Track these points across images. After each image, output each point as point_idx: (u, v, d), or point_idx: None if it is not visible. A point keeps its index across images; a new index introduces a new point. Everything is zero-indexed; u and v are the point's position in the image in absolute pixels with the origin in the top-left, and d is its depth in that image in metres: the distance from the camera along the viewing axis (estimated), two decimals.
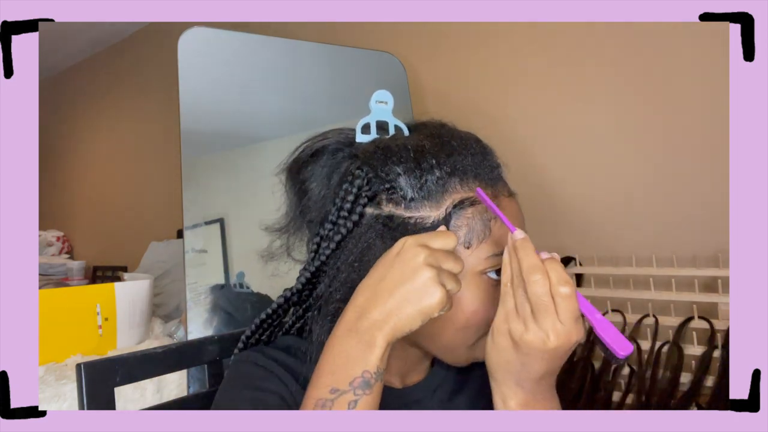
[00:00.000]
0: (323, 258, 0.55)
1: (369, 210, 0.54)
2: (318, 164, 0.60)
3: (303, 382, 0.54)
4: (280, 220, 0.63)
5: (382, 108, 0.60)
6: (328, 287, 0.55)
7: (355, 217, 0.54)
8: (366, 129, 0.59)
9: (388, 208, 0.54)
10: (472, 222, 0.52)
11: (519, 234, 0.48)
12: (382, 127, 0.60)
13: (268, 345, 0.62)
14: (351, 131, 0.60)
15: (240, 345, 0.62)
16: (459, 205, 0.53)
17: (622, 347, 0.44)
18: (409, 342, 0.57)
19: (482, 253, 0.52)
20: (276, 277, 0.63)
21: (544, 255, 0.47)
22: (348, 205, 0.54)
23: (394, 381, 0.61)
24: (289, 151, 0.62)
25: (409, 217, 0.53)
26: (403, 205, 0.53)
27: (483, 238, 0.52)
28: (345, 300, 0.51)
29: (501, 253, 0.51)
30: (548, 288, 0.45)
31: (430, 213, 0.53)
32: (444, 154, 0.54)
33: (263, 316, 0.61)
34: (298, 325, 0.62)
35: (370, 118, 0.59)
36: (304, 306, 0.61)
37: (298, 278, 0.58)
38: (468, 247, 0.52)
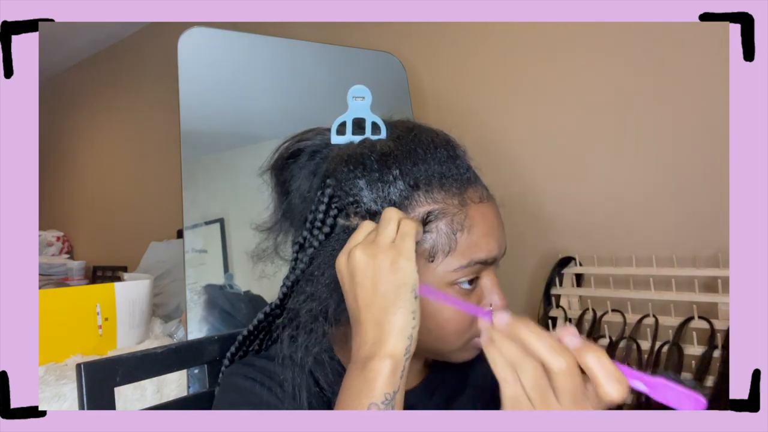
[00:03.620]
0: (298, 273, 0.55)
1: (340, 221, 0.54)
2: (297, 165, 0.59)
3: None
4: (269, 219, 0.63)
5: (359, 104, 0.57)
6: (296, 300, 0.54)
7: (326, 229, 0.53)
8: (342, 129, 0.57)
9: (355, 221, 0.53)
10: (435, 235, 0.51)
11: (502, 318, 0.43)
12: (359, 124, 0.57)
13: (259, 353, 0.62)
14: (328, 131, 0.58)
15: (226, 362, 0.62)
16: (424, 220, 0.52)
17: (692, 403, 0.35)
18: None
19: (448, 266, 0.52)
20: (264, 279, 0.64)
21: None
22: (320, 215, 0.54)
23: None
24: (271, 158, 0.61)
25: None
26: (368, 219, 0.52)
27: (448, 251, 0.51)
28: (311, 314, 0.51)
29: (468, 265, 0.51)
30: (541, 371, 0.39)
31: None
32: (410, 163, 0.53)
33: (245, 332, 0.61)
34: (267, 336, 0.62)
35: (347, 116, 0.57)
36: None
37: (280, 288, 0.58)
38: (432, 261, 0.52)
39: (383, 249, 0.47)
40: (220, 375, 0.61)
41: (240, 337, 0.61)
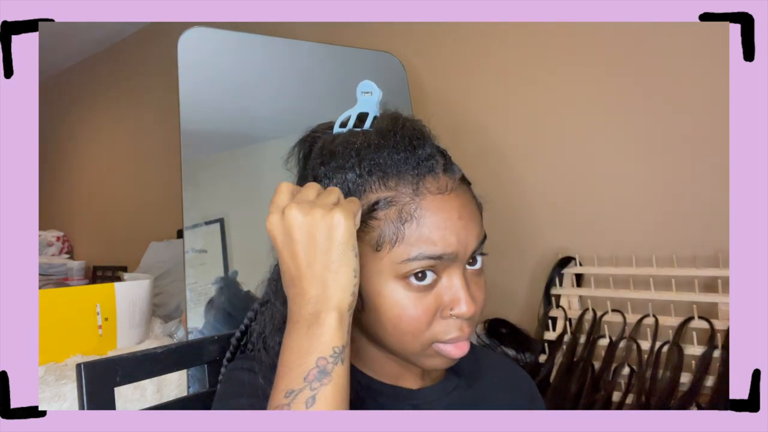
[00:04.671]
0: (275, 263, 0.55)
1: None
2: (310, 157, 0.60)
3: None
4: None
5: (366, 99, 0.57)
6: (266, 289, 0.55)
7: None
8: (346, 122, 0.58)
9: None
10: (383, 224, 0.50)
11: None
12: (363, 119, 0.58)
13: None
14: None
15: (225, 364, 0.62)
16: (373, 207, 0.51)
17: None
18: (378, 344, 0.57)
19: (394, 257, 0.50)
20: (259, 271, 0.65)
21: None
22: None
23: (409, 382, 0.60)
24: (289, 150, 0.62)
25: None
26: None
27: (395, 241, 0.50)
28: (276, 294, 0.52)
29: (416, 258, 0.49)
30: None
31: None
32: (370, 150, 0.52)
33: (238, 334, 0.61)
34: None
35: (353, 110, 0.57)
36: None
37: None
38: (378, 250, 0.50)
39: (320, 206, 0.47)
40: (221, 373, 0.61)
41: (234, 341, 0.61)
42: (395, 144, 0.52)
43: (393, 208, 0.50)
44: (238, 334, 0.62)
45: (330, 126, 0.59)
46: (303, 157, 0.60)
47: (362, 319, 0.54)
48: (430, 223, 0.50)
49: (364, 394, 0.55)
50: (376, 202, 0.51)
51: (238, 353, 0.64)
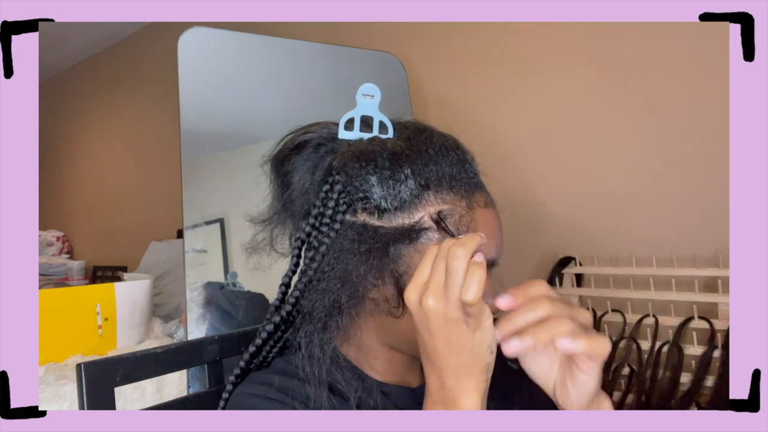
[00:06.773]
0: (311, 273, 0.54)
1: (347, 217, 0.54)
2: (300, 157, 0.58)
3: (306, 402, 0.52)
4: (265, 211, 0.62)
5: (368, 102, 0.57)
6: (309, 299, 0.54)
7: (336, 226, 0.54)
8: (350, 125, 0.57)
9: (362, 217, 0.54)
10: (443, 235, 0.52)
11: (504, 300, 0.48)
12: (366, 122, 0.57)
13: (260, 370, 0.59)
14: (335, 125, 0.58)
15: (232, 381, 0.58)
16: (438, 218, 0.53)
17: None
18: (397, 349, 0.58)
19: None
20: (258, 271, 0.63)
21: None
22: (329, 212, 0.54)
23: (411, 381, 0.61)
24: (278, 144, 0.61)
25: (381, 227, 0.53)
26: (376, 215, 0.53)
27: None
28: (324, 309, 0.51)
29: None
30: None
31: (402, 223, 0.53)
32: (420, 163, 0.53)
33: (252, 349, 0.58)
34: (279, 344, 0.59)
35: (355, 112, 0.57)
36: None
37: (289, 293, 0.57)
38: None
39: (456, 305, 0.45)
40: (227, 393, 0.57)
41: (247, 356, 0.58)
42: (446, 158, 0.55)
43: (450, 219, 0.53)
44: (252, 349, 0.57)
45: (325, 125, 0.58)
46: (285, 159, 0.59)
47: (398, 324, 0.54)
48: (483, 234, 0.51)
49: (375, 397, 0.55)
50: (439, 213, 0.53)
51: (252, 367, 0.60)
